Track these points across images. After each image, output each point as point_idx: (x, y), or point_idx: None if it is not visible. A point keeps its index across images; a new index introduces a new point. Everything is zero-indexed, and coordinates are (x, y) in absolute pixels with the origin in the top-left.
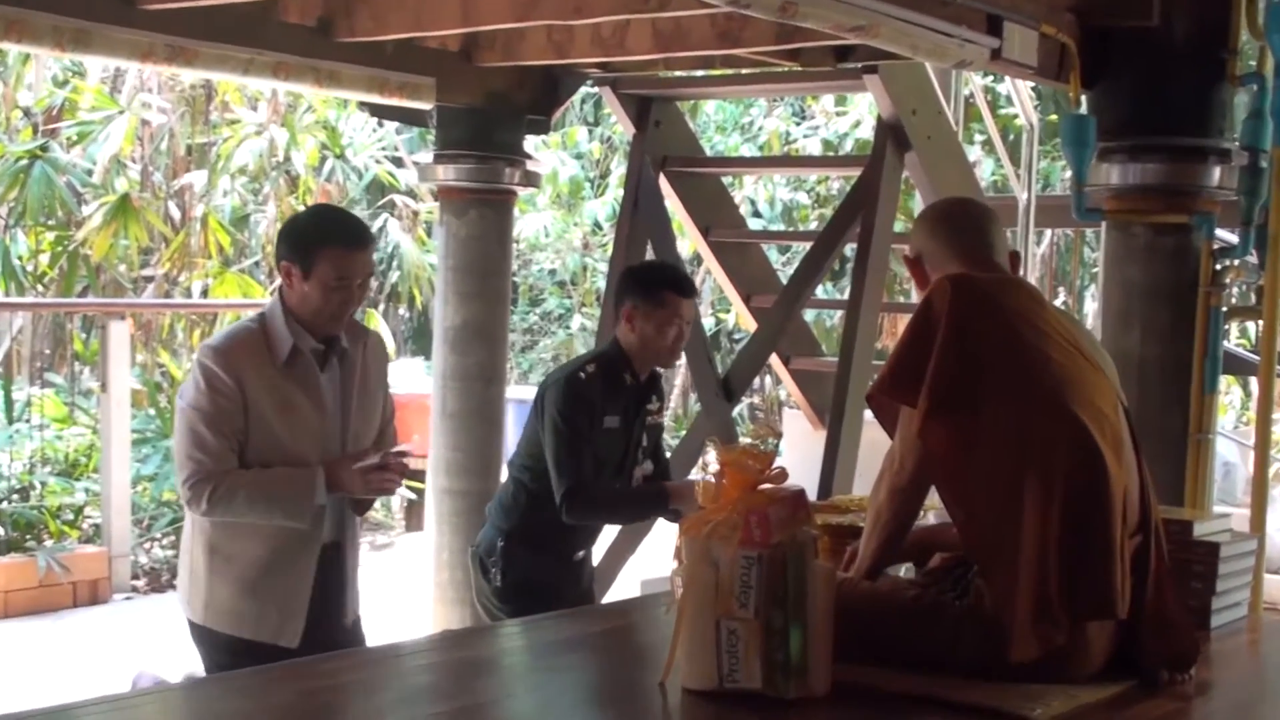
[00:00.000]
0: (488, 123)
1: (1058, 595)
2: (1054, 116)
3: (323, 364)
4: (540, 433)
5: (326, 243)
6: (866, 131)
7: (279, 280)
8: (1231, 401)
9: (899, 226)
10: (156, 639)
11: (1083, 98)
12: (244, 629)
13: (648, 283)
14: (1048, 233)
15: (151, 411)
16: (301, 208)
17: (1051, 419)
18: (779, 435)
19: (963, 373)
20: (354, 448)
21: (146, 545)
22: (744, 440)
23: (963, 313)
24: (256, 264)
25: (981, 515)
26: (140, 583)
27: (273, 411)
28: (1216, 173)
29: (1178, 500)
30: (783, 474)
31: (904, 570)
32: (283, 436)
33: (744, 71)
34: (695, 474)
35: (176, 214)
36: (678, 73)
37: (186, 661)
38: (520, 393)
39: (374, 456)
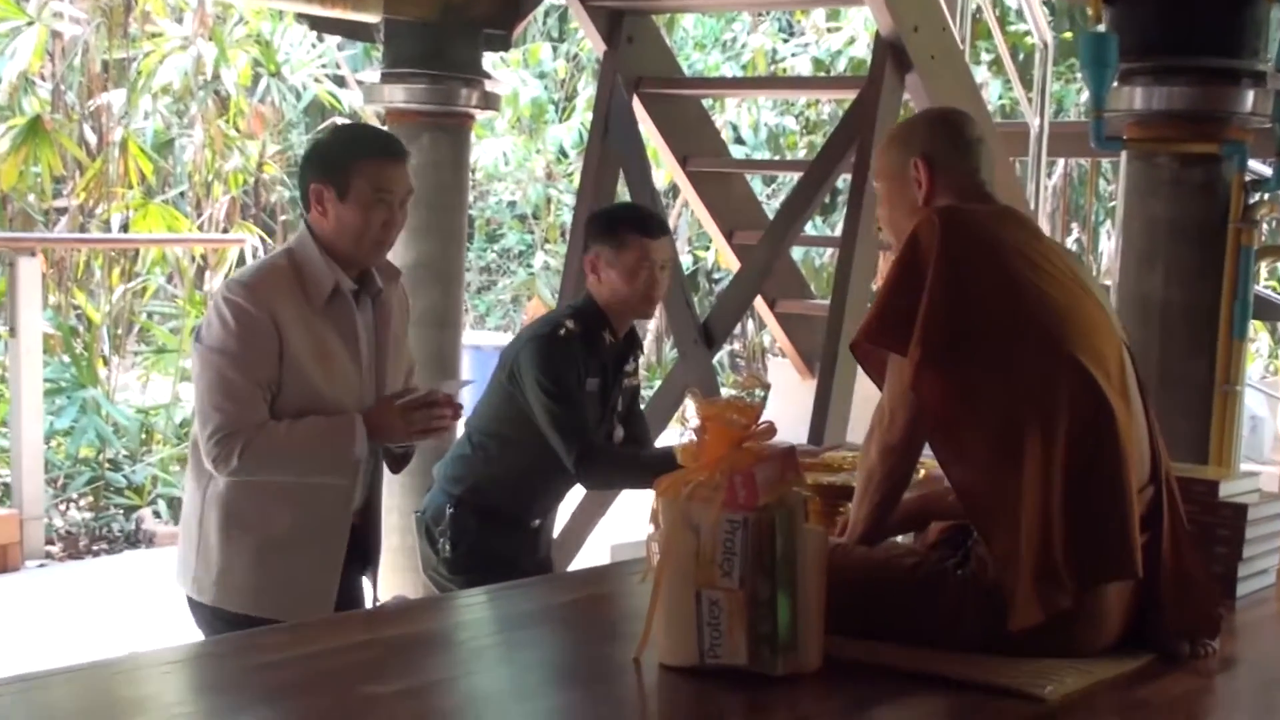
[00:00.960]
0: (441, 38)
1: (1063, 555)
2: (1069, 34)
3: (357, 305)
4: (520, 397)
5: (361, 154)
6: (861, 50)
7: (295, 225)
8: (1259, 349)
9: None
10: (74, 610)
11: (1103, 13)
12: (264, 607)
13: (608, 224)
14: (1060, 163)
15: (66, 359)
16: (233, 131)
17: (1052, 363)
18: (767, 386)
19: (956, 315)
20: (379, 392)
21: (62, 507)
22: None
23: (954, 249)
24: (182, 194)
25: (979, 471)
26: (55, 549)
27: (309, 358)
28: (1250, 97)
29: (1202, 457)
30: (770, 429)
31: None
32: (320, 386)
33: None
34: (674, 429)
35: (92, 138)
36: None
37: (111, 634)
38: (477, 338)
39: (419, 392)
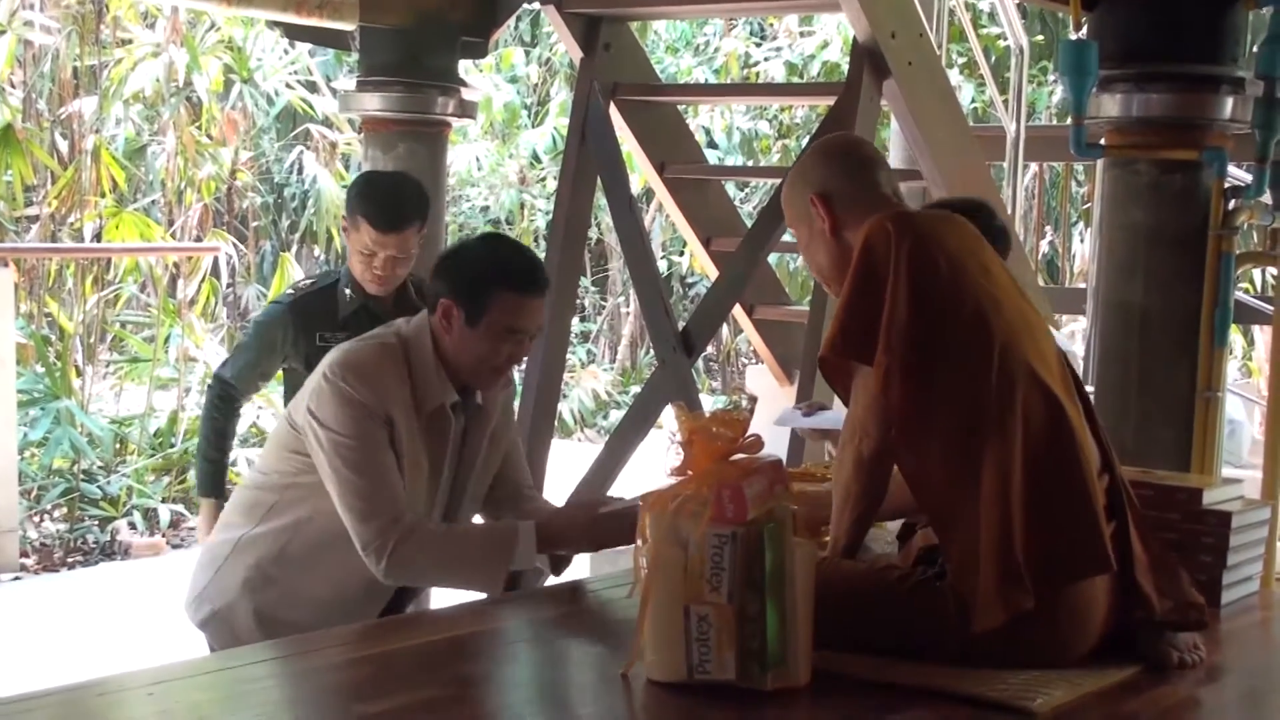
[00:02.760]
0: (418, 45)
1: (1025, 555)
2: (1040, 37)
3: (454, 416)
4: None
5: (503, 285)
6: (835, 54)
7: (425, 318)
8: (1233, 351)
9: None
10: (50, 624)
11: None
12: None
13: (352, 202)
14: (1033, 166)
15: (39, 369)
16: (205, 139)
17: (1006, 366)
18: (754, 399)
19: (919, 319)
20: (466, 513)
21: (36, 519)
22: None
23: (909, 254)
24: (154, 202)
25: (938, 477)
26: (30, 561)
27: (404, 465)
28: (1229, 104)
29: (1183, 464)
30: (758, 442)
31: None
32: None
33: None
34: (654, 437)
35: (64, 146)
36: None
37: (87, 648)
38: None
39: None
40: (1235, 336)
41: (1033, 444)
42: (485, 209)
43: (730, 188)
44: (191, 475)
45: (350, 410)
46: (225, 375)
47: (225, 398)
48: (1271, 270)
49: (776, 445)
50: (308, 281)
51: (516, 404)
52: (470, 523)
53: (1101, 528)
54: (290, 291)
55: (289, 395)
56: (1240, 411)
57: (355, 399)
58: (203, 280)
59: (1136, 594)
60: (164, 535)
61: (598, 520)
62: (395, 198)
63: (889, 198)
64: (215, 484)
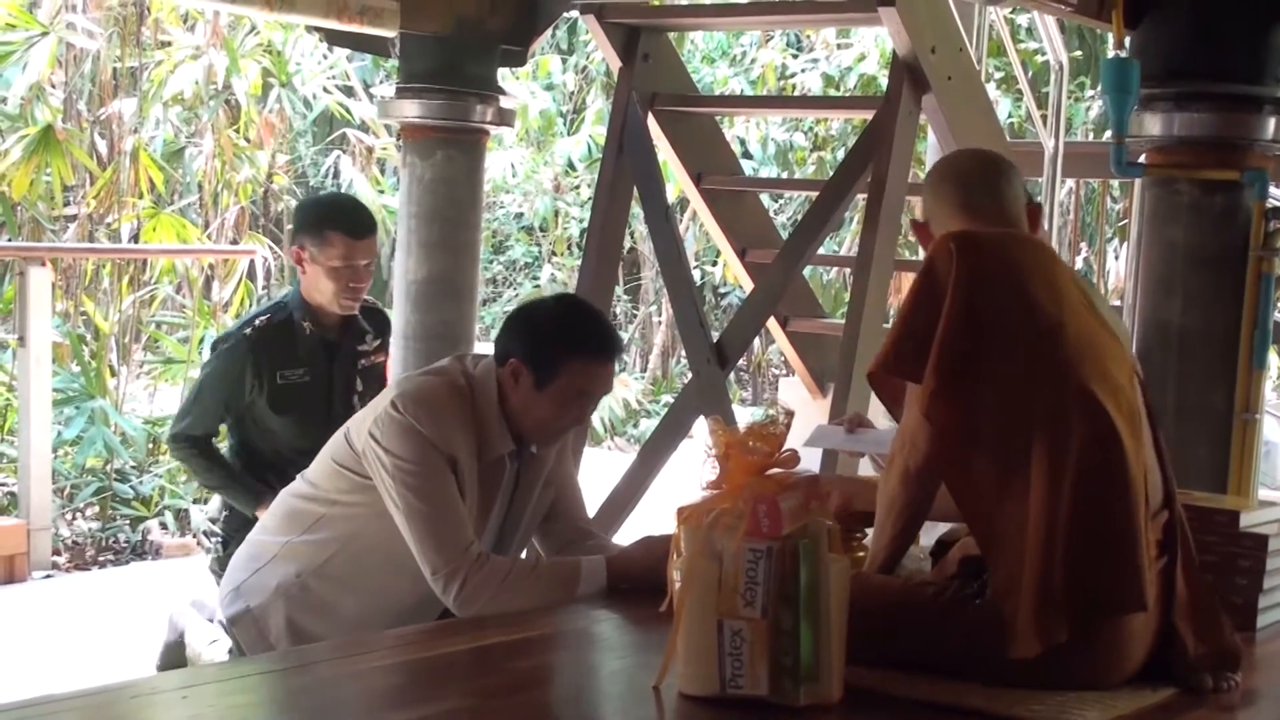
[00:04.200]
0: (457, 53)
1: (1064, 586)
2: (1078, 52)
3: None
4: None
5: (576, 352)
6: (872, 67)
7: (497, 369)
8: (1270, 372)
9: (911, 175)
10: (80, 622)
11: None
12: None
13: (315, 220)
14: (1069, 181)
15: (75, 368)
16: (244, 141)
17: (1063, 390)
18: (790, 413)
19: (971, 343)
20: (516, 550)
21: (69, 517)
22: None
23: (969, 274)
24: (191, 204)
25: (986, 497)
26: (62, 559)
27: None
28: (1271, 124)
29: (1220, 485)
30: (794, 457)
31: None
32: None
33: (743, 1)
34: (687, 449)
35: (103, 147)
36: (670, 1)
37: (118, 646)
38: (482, 350)
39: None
40: (1273, 358)
41: (1083, 474)
42: (519, 215)
43: (764, 199)
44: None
45: (417, 442)
46: (190, 433)
47: (198, 445)
48: None
49: (806, 458)
50: (263, 317)
51: None
52: (539, 557)
53: (1142, 566)
54: (245, 330)
55: (238, 434)
56: (1277, 433)
57: (422, 435)
58: (238, 283)
59: (1173, 636)
60: (195, 536)
61: (660, 561)
62: (357, 207)
63: (981, 210)
64: (256, 491)
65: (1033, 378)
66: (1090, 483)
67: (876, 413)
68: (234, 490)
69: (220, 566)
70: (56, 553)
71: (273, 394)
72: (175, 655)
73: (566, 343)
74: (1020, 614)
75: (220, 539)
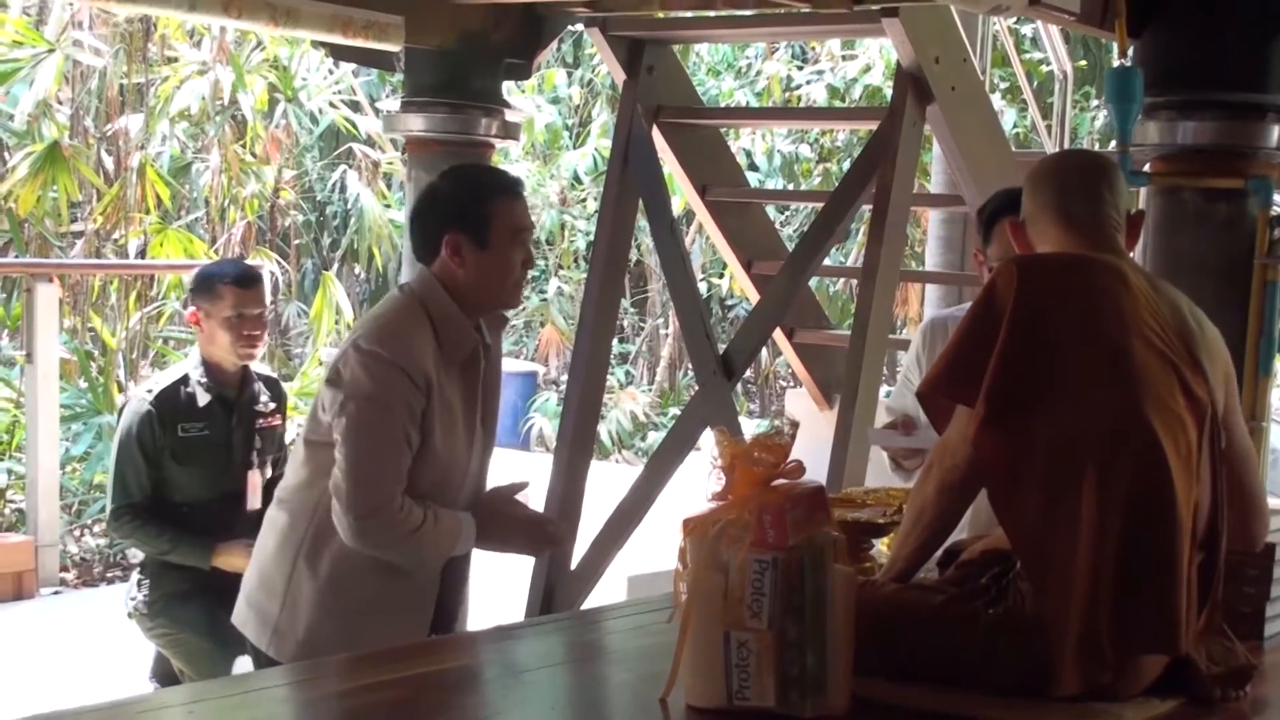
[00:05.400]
0: (462, 67)
1: (1108, 626)
2: (1083, 62)
3: None
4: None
5: (495, 195)
6: (877, 78)
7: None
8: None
9: (916, 186)
10: (89, 639)
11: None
12: None
13: (205, 281)
14: None
15: (83, 384)
16: (250, 157)
17: (1117, 421)
18: (795, 424)
19: (1027, 376)
20: (483, 467)
21: (76, 533)
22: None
23: (1031, 303)
24: (198, 220)
25: (1034, 523)
26: (70, 575)
27: (437, 418)
28: (1275, 132)
29: None
30: (799, 468)
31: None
32: (438, 446)
33: (747, 13)
34: (692, 460)
35: (110, 163)
36: (674, 13)
37: (126, 663)
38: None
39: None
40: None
41: (1130, 508)
42: None
43: (771, 210)
44: None
45: (386, 371)
46: (130, 502)
47: (140, 515)
48: None
49: (813, 468)
50: (162, 380)
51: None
52: (434, 508)
53: (1180, 609)
54: (146, 391)
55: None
56: None
57: (393, 363)
58: None
59: (1187, 663)
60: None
61: (522, 522)
62: (244, 265)
63: (1080, 220)
64: (204, 544)
65: (1088, 408)
66: (1137, 519)
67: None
68: (185, 548)
69: (148, 612)
70: (64, 569)
71: (175, 446)
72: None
73: (482, 191)
74: (1066, 651)
75: (149, 581)
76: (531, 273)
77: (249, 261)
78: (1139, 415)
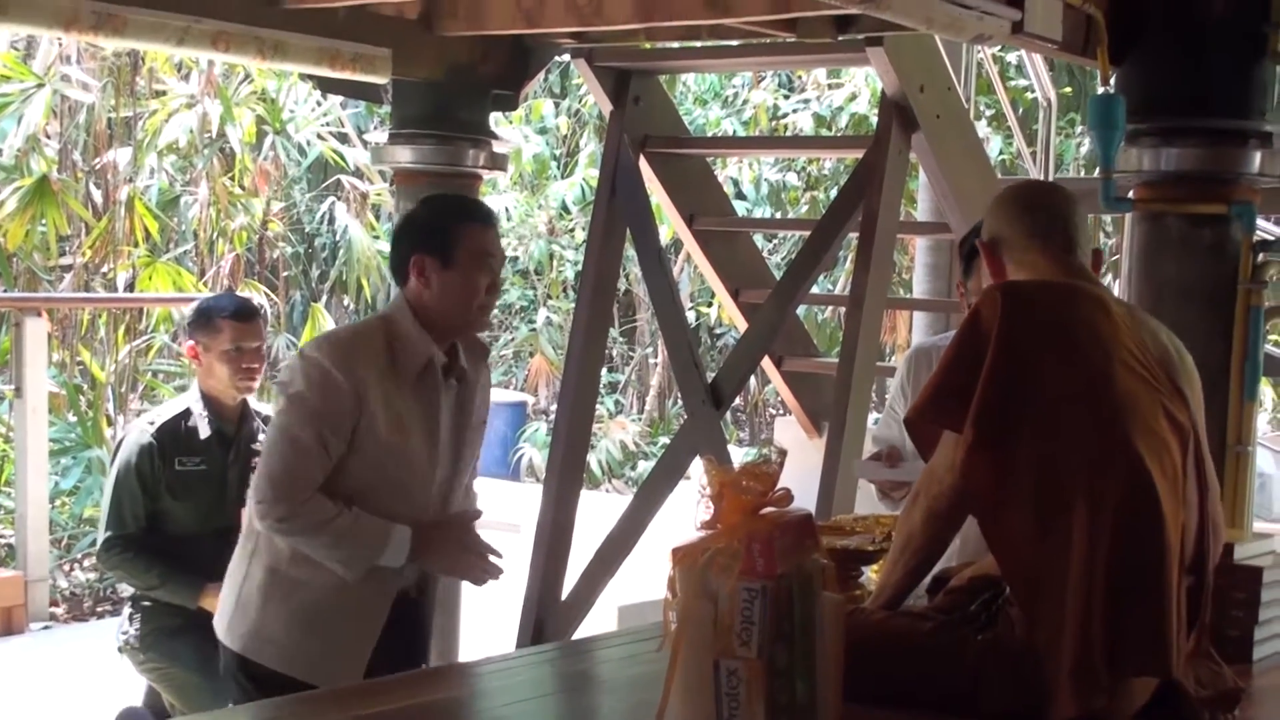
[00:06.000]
0: (449, 99)
1: (1101, 649)
2: (1068, 89)
3: (444, 382)
4: None
5: (463, 220)
6: (863, 106)
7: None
8: (1264, 404)
9: (903, 214)
10: (80, 674)
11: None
12: (295, 668)
13: (204, 315)
14: None
15: (72, 418)
16: (238, 189)
17: (1105, 447)
18: (783, 452)
19: (1012, 399)
20: (454, 487)
21: (66, 568)
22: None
23: (1015, 329)
24: (187, 252)
25: (1024, 550)
26: (60, 610)
27: (385, 431)
28: (1257, 158)
29: None
30: (787, 496)
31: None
32: (386, 461)
33: (733, 43)
34: (682, 490)
35: (98, 196)
36: (660, 44)
37: (117, 699)
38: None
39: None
40: (1265, 389)
41: (1119, 532)
42: (514, 259)
43: (758, 239)
44: None
45: (318, 372)
46: (122, 533)
47: (131, 546)
48: None
49: (802, 497)
50: (164, 414)
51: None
52: (359, 512)
53: (1170, 632)
54: (148, 423)
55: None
56: (1271, 465)
57: (324, 365)
58: None
59: (1176, 686)
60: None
61: (460, 545)
62: (240, 299)
63: (1057, 252)
64: (195, 583)
65: (1074, 433)
66: (1126, 541)
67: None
68: (174, 584)
69: (139, 646)
70: (54, 604)
71: (171, 480)
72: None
73: (452, 216)
74: (1061, 676)
75: (140, 616)
76: (520, 303)
77: (242, 294)
78: (1124, 439)
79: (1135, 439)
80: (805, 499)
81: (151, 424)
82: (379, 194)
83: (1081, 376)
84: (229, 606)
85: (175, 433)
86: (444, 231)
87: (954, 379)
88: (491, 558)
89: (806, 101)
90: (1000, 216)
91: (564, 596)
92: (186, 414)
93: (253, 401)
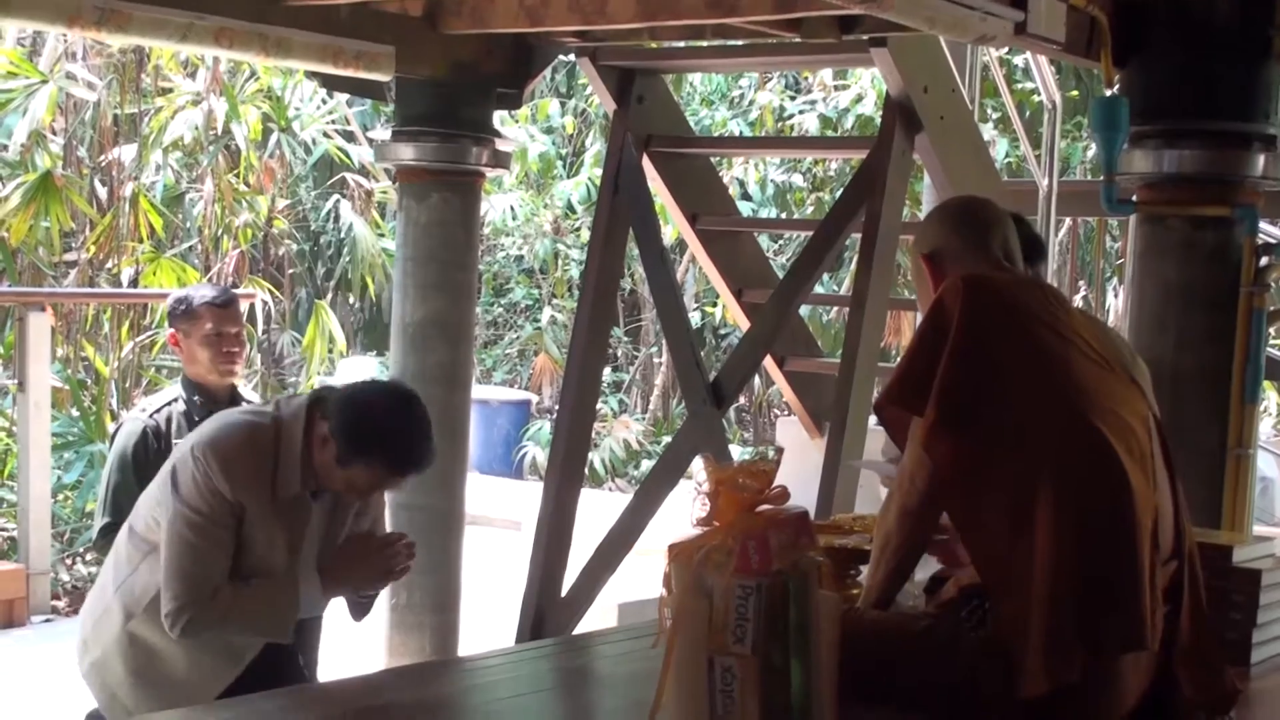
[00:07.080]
0: (452, 96)
1: (1073, 625)
2: (1075, 93)
3: (315, 499)
4: None
5: (378, 457)
6: (869, 108)
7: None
8: (1267, 408)
9: (907, 214)
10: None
11: (1115, 77)
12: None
13: (183, 303)
14: (1066, 220)
15: (75, 412)
16: (243, 186)
17: (1069, 428)
18: (780, 450)
19: (974, 379)
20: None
21: (68, 561)
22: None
23: (977, 314)
24: (191, 249)
25: (990, 533)
26: (61, 603)
27: (257, 548)
28: (1260, 161)
29: (1214, 521)
30: (784, 493)
31: (912, 601)
32: (255, 567)
33: (737, 43)
34: (684, 488)
35: (103, 192)
36: (665, 43)
37: None
38: (482, 393)
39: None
40: (1270, 394)
41: (1090, 514)
42: (519, 258)
43: (763, 240)
44: None
45: (207, 491)
46: (118, 520)
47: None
48: None
49: (804, 496)
50: (157, 401)
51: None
52: (258, 581)
53: (1144, 607)
54: (141, 410)
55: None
56: (1272, 468)
57: (210, 484)
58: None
59: (1172, 679)
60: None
61: (363, 551)
62: (219, 286)
63: (996, 263)
64: None
65: (1038, 419)
66: (1097, 523)
67: (872, 450)
68: None
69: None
70: (56, 597)
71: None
72: None
73: (374, 444)
74: (1030, 653)
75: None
76: (525, 302)
77: (240, 290)
78: (1088, 422)
79: (1095, 418)
80: (806, 499)
81: (144, 411)
82: (384, 191)
83: (1041, 360)
84: (89, 650)
85: (168, 420)
86: (357, 445)
87: (919, 364)
88: (399, 545)
89: (813, 103)
90: (938, 230)
91: (564, 593)
92: (177, 401)
93: (242, 388)
